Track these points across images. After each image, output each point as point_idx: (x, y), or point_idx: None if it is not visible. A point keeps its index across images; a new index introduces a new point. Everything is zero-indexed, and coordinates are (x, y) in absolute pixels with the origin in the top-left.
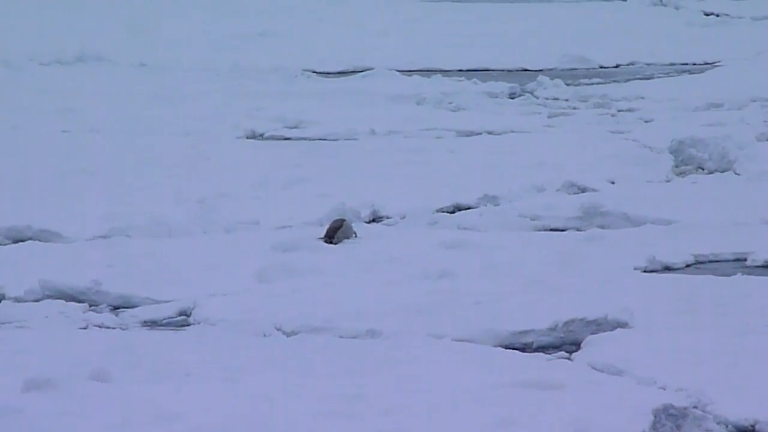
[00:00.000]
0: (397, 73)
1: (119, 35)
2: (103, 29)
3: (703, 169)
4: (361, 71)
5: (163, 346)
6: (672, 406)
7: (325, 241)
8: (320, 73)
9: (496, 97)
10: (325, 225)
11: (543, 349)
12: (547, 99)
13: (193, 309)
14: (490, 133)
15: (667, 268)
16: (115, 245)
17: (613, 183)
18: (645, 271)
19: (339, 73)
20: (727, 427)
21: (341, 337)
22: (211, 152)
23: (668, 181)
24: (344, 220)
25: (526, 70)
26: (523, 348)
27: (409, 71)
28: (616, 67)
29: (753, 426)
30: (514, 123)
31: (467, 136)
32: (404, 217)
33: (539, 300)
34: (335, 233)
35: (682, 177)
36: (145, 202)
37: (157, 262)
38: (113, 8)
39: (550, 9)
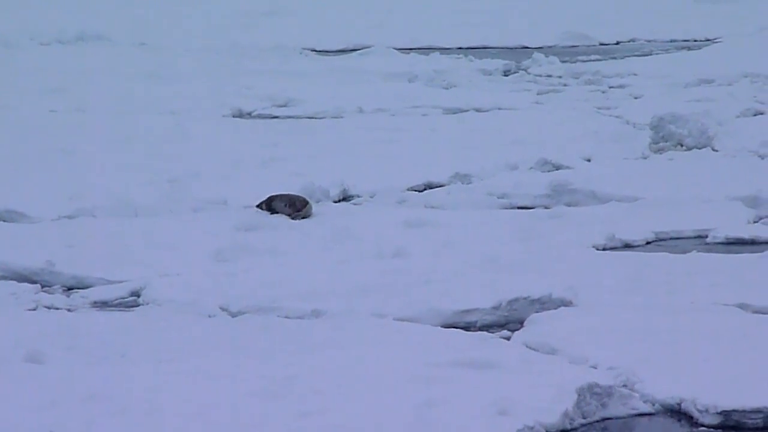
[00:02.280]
0: (395, 51)
1: (120, 14)
2: (104, 8)
3: (682, 146)
4: (361, 49)
5: (105, 328)
6: (597, 385)
7: (292, 217)
8: (320, 51)
9: (490, 75)
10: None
11: (487, 327)
12: (540, 76)
13: (143, 289)
14: (478, 110)
15: (627, 246)
16: (78, 225)
17: (588, 160)
18: (604, 249)
19: (339, 51)
20: (653, 405)
21: (287, 317)
22: (192, 131)
23: (645, 158)
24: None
25: (525, 47)
26: (467, 327)
27: (409, 49)
28: (617, 44)
29: (679, 404)
30: (503, 100)
31: (453, 113)
32: (373, 196)
33: (488, 279)
34: (304, 207)
35: (660, 154)
36: (115, 181)
37: (116, 243)
38: None
39: None
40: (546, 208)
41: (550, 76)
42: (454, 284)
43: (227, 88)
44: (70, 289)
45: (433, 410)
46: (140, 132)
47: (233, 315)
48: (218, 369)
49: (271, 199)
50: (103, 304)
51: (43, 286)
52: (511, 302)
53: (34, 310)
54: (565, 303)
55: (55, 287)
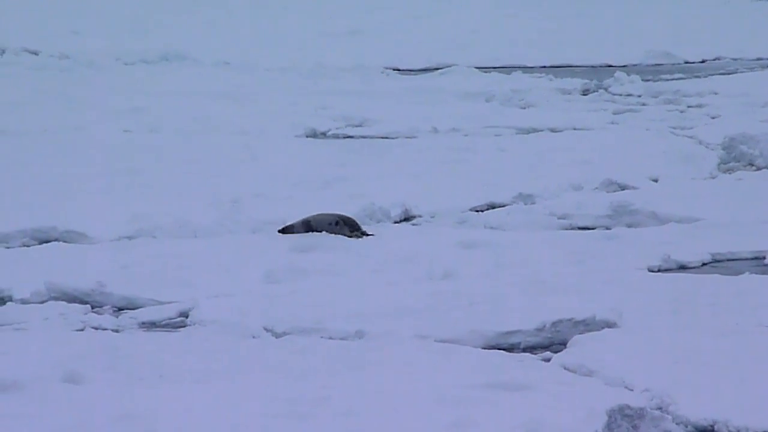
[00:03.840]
0: (475, 70)
1: (206, 34)
2: (190, 28)
3: (753, 166)
4: (443, 68)
5: (147, 348)
6: (628, 407)
7: (349, 235)
8: (402, 70)
9: (569, 94)
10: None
11: (530, 349)
12: (619, 95)
13: (191, 310)
14: (552, 130)
15: (682, 267)
16: (135, 246)
17: (655, 181)
18: (658, 270)
19: (421, 70)
20: (686, 427)
21: (330, 338)
22: (262, 151)
23: (713, 179)
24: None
25: (609, 66)
26: (510, 349)
27: (491, 68)
28: (702, 62)
29: (712, 426)
30: (578, 120)
31: (527, 133)
32: (434, 216)
33: (534, 300)
34: (359, 227)
35: (729, 174)
36: (178, 202)
37: (170, 264)
38: (201, 7)
39: (640, 3)
40: (607, 228)
41: (630, 95)
42: (499, 306)
43: (303, 107)
44: (120, 309)
45: (462, 431)
46: (210, 152)
47: (277, 336)
48: (252, 389)
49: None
50: (151, 325)
51: (93, 307)
52: (555, 324)
53: (82, 330)
54: (609, 325)
55: (105, 308)
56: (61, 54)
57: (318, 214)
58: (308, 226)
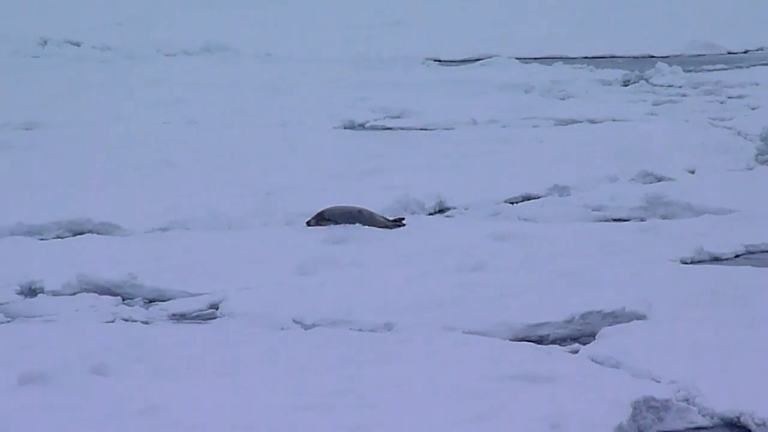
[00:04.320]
0: (516, 61)
1: (248, 25)
2: (232, 19)
3: None
4: (484, 59)
5: (176, 340)
6: (653, 398)
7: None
8: (443, 61)
9: (609, 85)
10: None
11: (559, 341)
12: (660, 86)
13: (222, 302)
14: (591, 121)
15: (715, 259)
16: (168, 238)
17: (692, 172)
18: (691, 262)
19: (462, 61)
20: (712, 418)
21: (359, 330)
22: (299, 143)
23: (750, 170)
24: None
25: (651, 56)
26: (539, 341)
27: (532, 59)
28: (745, 52)
29: (738, 418)
30: (617, 111)
31: (565, 124)
32: (468, 208)
33: (564, 292)
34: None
35: (767, 165)
36: (213, 194)
37: (202, 256)
38: None
39: None
40: (641, 220)
41: (671, 86)
42: (528, 298)
43: (343, 99)
44: (150, 301)
45: (485, 423)
46: (247, 144)
47: (306, 328)
48: (278, 381)
49: (321, 215)
50: (181, 317)
51: (124, 299)
52: (584, 316)
53: (111, 322)
54: (638, 317)
55: (136, 300)
56: (103, 45)
57: (332, 207)
58: (322, 218)
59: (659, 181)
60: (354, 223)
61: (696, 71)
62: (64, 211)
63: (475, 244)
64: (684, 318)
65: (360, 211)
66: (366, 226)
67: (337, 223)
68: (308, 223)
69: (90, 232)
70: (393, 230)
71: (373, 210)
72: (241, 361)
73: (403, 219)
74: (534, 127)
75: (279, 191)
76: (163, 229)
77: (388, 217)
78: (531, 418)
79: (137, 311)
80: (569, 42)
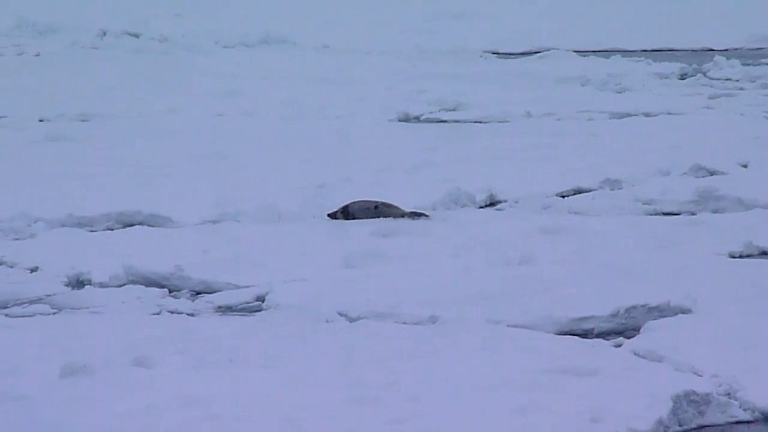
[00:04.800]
0: (573, 54)
1: (307, 17)
2: (292, 11)
3: None
4: (542, 52)
5: (220, 332)
6: (694, 392)
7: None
8: (501, 54)
9: (666, 78)
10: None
11: (604, 335)
12: (717, 80)
13: (268, 294)
14: (646, 115)
15: (764, 253)
16: (218, 230)
17: (745, 166)
18: (740, 257)
19: (520, 54)
20: (753, 413)
21: (404, 323)
22: (353, 136)
23: None
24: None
25: (710, 50)
26: (584, 334)
27: (590, 52)
28: None
29: None
30: (673, 105)
31: (620, 118)
32: (518, 202)
33: (610, 286)
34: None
35: None
36: (265, 186)
37: (250, 248)
38: None
39: None
40: (692, 214)
41: (728, 79)
42: (574, 291)
43: (399, 91)
44: (197, 293)
45: (526, 417)
46: (300, 137)
47: (351, 320)
48: (320, 374)
49: (345, 209)
50: (227, 309)
51: (170, 291)
52: (629, 310)
53: (157, 314)
54: (684, 311)
55: (182, 292)
56: (162, 37)
57: (357, 201)
58: (347, 212)
59: (711, 174)
60: (372, 218)
61: (754, 65)
62: (115, 203)
63: (523, 237)
64: (729, 312)
65: (376, 207)
66: (413, 219)
67: (356, 218)
68: (332, 216)
69: (140, 224)
70: (439, 223)
71: (396, 204)
72: (284, 354)
73: (425, 213)
74: (589, 120)
75: (331, 184)
76: (213, 222)
77: (406, 210)
78: (572, 412)
79: (183, 303)
80: (628, 35)
